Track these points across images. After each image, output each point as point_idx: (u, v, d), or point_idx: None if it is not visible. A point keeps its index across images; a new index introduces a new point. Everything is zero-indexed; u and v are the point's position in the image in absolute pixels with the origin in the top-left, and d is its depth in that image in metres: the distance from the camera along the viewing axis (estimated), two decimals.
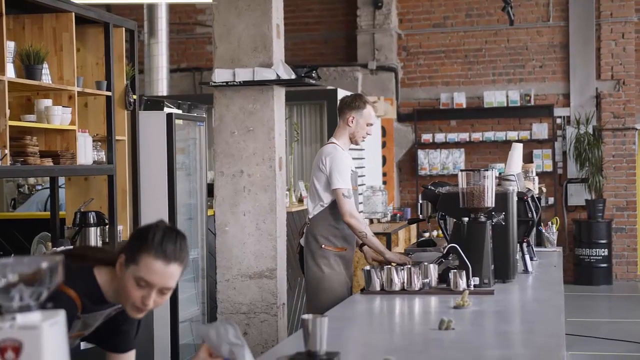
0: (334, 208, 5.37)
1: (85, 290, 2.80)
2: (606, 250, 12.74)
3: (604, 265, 12.76)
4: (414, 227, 11.38)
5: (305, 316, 2.85)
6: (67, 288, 2.75)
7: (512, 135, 13.10)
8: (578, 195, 13.10)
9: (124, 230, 6.12)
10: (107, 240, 5.87)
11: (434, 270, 4.56)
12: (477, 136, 13.32)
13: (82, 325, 2.89)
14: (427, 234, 10.54)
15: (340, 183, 5.32)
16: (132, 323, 3.06)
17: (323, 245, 5.44)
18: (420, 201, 5.41)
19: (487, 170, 4.66)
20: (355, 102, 5.53)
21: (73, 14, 5.49)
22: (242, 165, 5.87)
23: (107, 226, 5.85)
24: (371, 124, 5.54)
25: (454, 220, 4.82)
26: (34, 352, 1.82)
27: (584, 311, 10.80)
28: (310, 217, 5.54)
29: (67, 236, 5.71)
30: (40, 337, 1.82)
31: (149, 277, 2.73)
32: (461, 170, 4.72)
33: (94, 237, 5.66)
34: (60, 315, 1.89)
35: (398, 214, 11.27)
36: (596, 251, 12.72)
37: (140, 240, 2.77)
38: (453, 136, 13.39)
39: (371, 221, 10.62)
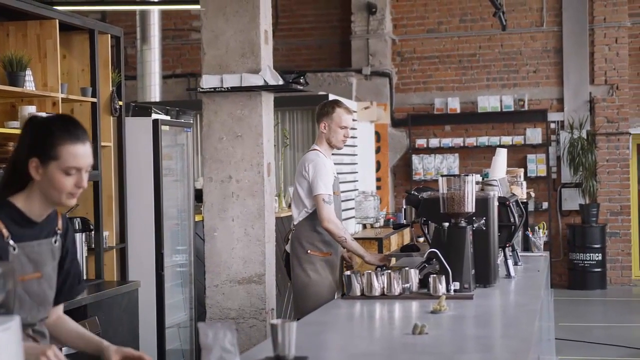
0: None
1: (7, 216, 2.84)
2: (600, 254, 12.75)
3: (598, 269, 12.76)
4: (407, 232, 11.37)
5: (274, 321, 2.88)
6: None
7: (506, 140, 13.10)
8: (572, 200, 13.10)
9: (109, 237, 6.14)
10: (92, 246, 5.89)
11: (414, 275, 4.56)
12: (471, 141, 13.32)
13: (27, 259, 2.89)
14: (422, 239, 10.52)
15: (322, 189, 5.37)
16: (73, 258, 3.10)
17: (309, 251, 5.49)
18: (404, 206, 5.43)
19: (468, 175, 4.67)
20: (324, 108, 5.61)
21: (57, 21, 5.51)
22: (231, 171, 5.88)
23: (92, 232, 5.86)
24: (345, 127, 5.57)
25: (435, 225, 4.84)
26: None
27: (577, 316, 10.80)
28: (295, 223, 5.59)
29: None
30: None
31: (76, 162, 2.83)
32: (442, 176, 4.73)
33: (79, 243, 5.67)
34: (15, 321, 1.90)
35: (391, 219, 11.26)
36: (590, 256, 12.72)
37: (47, 137, 2.83)
38: (447, 141, 13.40)
39: (364, 226, 10.62)
